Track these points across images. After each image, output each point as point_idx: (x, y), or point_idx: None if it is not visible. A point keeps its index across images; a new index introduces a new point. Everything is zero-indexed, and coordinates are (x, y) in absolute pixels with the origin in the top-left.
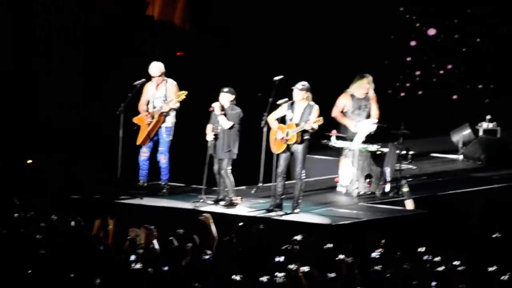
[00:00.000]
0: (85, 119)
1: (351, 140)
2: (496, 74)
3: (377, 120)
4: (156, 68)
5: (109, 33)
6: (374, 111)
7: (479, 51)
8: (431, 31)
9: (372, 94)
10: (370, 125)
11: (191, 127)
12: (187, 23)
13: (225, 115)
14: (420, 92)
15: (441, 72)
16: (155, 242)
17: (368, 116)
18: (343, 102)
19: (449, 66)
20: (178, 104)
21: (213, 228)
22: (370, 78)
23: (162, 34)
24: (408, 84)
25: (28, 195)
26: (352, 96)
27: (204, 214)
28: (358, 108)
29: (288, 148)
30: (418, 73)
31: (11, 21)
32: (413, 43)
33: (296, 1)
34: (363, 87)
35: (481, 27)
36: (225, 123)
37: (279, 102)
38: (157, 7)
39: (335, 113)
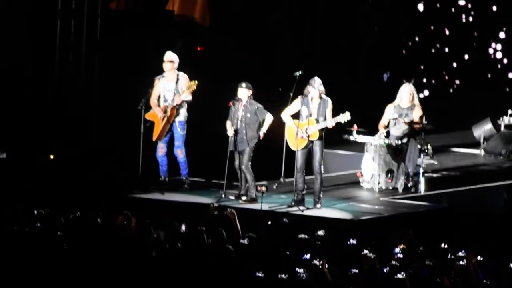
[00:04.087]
0: (104, 114)
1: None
2: None
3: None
4: (170, 57)
5: (129, 28)
6: (416, 116)
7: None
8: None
9: (416, 102)
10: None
11: (210, 122)
12: (207, 19)
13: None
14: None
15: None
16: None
17: (408, 124)
18: (386, 112)
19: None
20: (190, 97)
21: (238, 223)
22: (408, 87)
23: (182, 29)
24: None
25: (49, 191)
26: (397, 104)
27: (228, 209)
28: (399, 116)
29: (307, 144)
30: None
31: (31, 15)
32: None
33: None
34: (404, 96)
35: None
36: (266, 127)
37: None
38: (177, 2)
39: (380, 122)
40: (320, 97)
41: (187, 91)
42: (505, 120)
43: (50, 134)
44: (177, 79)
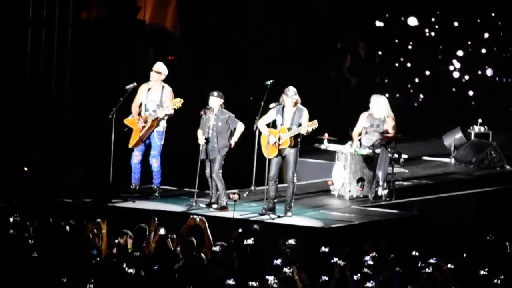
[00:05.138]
0: (75, 123)
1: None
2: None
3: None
4: (158, 68)
5: (100, 37)
6: (387, 128)
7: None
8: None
9: (389, 113)
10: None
11: (182, 130)
12: (178, 28)
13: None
14: (421, 97)
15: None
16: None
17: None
18: (360, 120)
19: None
20: (172, 111)
21: (209, 232)
22: (374, 98)
23: (153, 38)
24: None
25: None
26: (370, 114)
27: (199, 217)
28: (370, 126)
29: (280, 152)
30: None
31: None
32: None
33: (283, 5)
34: (375, 107)
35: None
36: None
37: (271, 106)
38: (149, 11)
39: (354, 130)
40: (295, 106)
41: (170, 106)
42: (475, 129)
43: (22, 144)
44: (162, 91)
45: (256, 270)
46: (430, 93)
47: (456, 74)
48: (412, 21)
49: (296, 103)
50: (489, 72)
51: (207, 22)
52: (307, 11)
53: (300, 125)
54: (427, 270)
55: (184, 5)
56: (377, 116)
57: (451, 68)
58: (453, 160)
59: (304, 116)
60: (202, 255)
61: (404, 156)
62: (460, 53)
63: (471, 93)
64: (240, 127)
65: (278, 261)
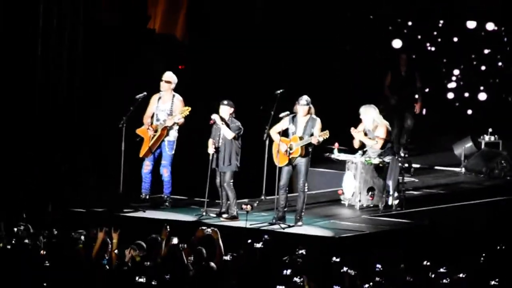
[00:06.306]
0: (86, 132)
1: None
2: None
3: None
4: (167, 77)
5: (110, 47)
6: (379, 135)
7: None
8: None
9: (379, 121)
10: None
11: (193, 140)
12: (187, 37)
13: (227, 125)
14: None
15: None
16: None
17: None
18: (360, 129)
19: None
20: (182, 120)
21: (220, 243)
22: (362, 110)
23: (163, 47)
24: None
25: (31, 208)
26: (365, 126)
27: (211, 228)
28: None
29: (291, 161)
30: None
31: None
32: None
33: (292, 14)
34: (364, 119)
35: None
36: (227, 133)
37: (281, 115)
38: (158, 20)
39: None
40: (308, 115)
41: (179, 115)
42: (486, 138)
43: (30, 146)
44: (172, 101)
45: (266, 280)
46: (439, 103)
47: (458, 90)
48: (397, 43)
49: (309, 113)
50: (482, 96)
51: (216, 31)
52: (316, 13)
53: (312, 134)
54: (440, 281)
55: (193, 14)
56: (368, 127)
57: (450, 85)
58: (463, 170)
59: (317, 126)
60: (213, 265)
61: (415, 165)
62: (455, 72)
63: (481, 101)
64: (229, 134)
65: (288, 271)
